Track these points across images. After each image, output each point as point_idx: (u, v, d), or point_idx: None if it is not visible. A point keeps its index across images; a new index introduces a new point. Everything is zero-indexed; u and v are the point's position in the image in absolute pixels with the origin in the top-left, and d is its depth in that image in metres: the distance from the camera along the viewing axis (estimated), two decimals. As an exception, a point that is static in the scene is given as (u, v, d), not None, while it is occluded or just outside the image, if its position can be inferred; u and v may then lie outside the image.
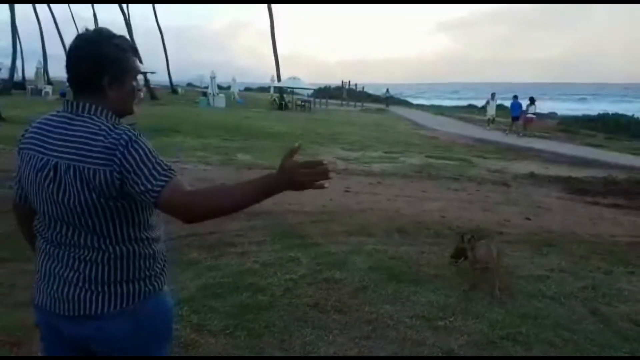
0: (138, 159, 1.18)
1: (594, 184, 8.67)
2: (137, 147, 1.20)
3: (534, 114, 17.75)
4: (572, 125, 22.11)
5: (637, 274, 4.16)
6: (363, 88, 41.43)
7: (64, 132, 1.22)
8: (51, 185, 1.22)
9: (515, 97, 18.73)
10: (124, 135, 1.20)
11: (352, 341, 2.83)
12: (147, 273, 1.31)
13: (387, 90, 39.47)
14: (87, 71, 1.24)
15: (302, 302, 3.28)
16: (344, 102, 37.07)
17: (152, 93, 30.52)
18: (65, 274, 1.27)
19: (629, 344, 2.92)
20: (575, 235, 5.39)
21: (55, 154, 1.21)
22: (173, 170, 1.22)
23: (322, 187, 1.19)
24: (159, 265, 1.35)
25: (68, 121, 1.23)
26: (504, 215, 6.16)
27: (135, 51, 1.32)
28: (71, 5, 41.43)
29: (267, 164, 9.38)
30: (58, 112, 1.27)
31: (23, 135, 1.32)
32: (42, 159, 1.23)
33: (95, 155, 1.18)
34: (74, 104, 1.24)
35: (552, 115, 30.10)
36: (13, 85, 29.04)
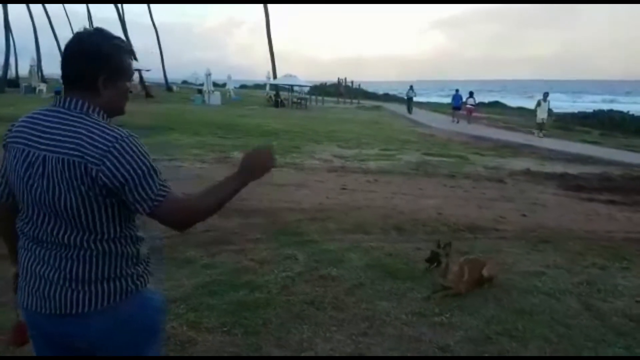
0: (136, 166, 1.20)
1: (589, 181, 8.71)
2: (134, 152, 1.21)
3: (472, 105, 21.33)
4: (567, 122, 22.23)
5: (632, 269, 4.19)
6: (359, 85, 41.44)
7: (56, 126, 1.21)
8: (40, 180, 1.21)
9: (457, 90, 22.72)
10: (119, 139, 1.20)
11: (349, 338, 2.84)
12: (129, 272, 1.31)
13: (411, 88, 27.01)
14: (83, 69, 1.24)
15: (299, 299, 3.28)
16: (340, 100, 37.06)
17: (147, 91, 30.40)
18: (46, 273, 1.27)
19: (623, 339, 2.94)
20: (571, 231, 5.42)
21: (45, 147, 1.21)
22: (167, 182, 1.27)
23: (272, 166, 1.38)
24: (141, 265, 1.36)
25: (61, 116, 1.23)
26: (499, 211, 6.19)
27: (132, 53, 1.33)
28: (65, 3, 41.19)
29: (264, 161, 9.38)
30: (49, 107, 1.27)
31: (10, 130, 1.30)
32: (32, 152, 1.22)
33: (89, 151, 1.18)
34: (67, 100, 1.24)
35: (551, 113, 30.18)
36: (7, 83, 28.87)
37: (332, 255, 4.16)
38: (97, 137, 1.19)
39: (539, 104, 17.52)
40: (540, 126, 17.04)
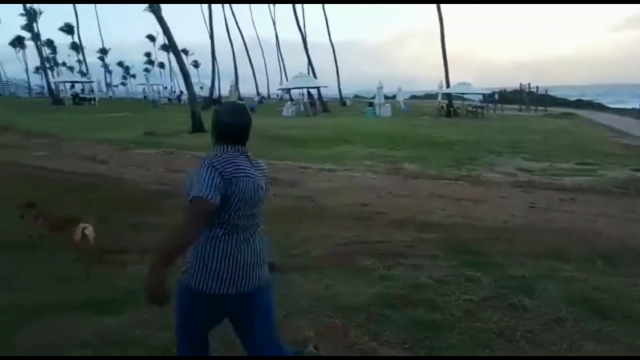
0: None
1: None
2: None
3: None
4: None
5: None
6: (546, 91, 37.27)
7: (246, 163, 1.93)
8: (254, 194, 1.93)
9: None
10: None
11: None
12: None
13: None
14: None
15: (486, 327, 2.99)
16: (523, 107, 33.91)
17: (325, 106, 32.80)
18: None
19: None
20: None
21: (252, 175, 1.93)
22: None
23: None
24: None
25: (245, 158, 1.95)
26: None
27: None
28: (258, 31, 47.58)
29: (435, 173, 9.04)
30: (239, 154, 1.90)
31: (223, 168, 1.82)
32: (254, 182, 1.90)
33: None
34: (243, 149, 1.93)
35: None
36: (212, 102, 34.64)
37: (522, 282, 3.69)
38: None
39: None
40: None
